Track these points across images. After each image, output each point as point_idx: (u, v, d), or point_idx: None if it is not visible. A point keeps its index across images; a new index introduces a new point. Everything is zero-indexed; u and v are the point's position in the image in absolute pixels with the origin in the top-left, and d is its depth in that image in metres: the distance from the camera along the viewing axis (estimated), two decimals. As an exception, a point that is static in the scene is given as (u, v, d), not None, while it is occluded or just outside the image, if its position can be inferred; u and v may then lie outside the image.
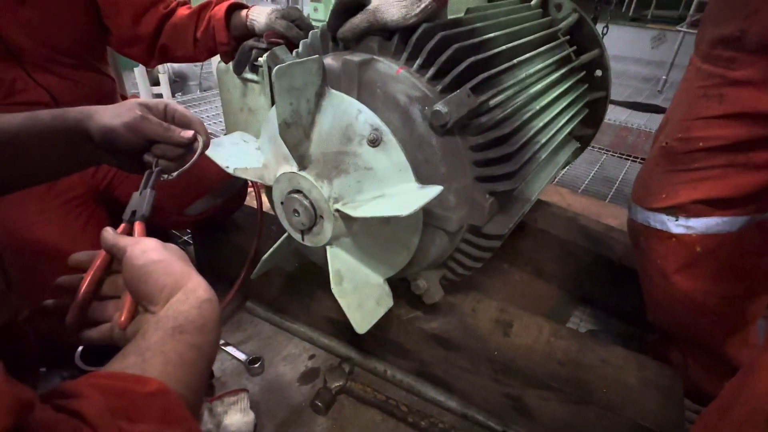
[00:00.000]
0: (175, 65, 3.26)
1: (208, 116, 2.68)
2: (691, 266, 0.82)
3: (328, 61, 0.77)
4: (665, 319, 0.95)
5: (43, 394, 0.32)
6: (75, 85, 1.00)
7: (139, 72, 2.52)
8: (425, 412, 0.96)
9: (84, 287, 0.48)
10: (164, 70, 2.62)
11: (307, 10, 4.11)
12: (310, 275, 1.10)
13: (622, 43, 5.04)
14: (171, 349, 0.39)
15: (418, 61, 0.75)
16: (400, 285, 0.96)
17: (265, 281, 1.17)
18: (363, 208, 0.68)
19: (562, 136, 1.04)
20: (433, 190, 0.65)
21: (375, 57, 0.76)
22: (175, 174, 0.63)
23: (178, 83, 3.34)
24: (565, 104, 1.05)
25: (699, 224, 0.78)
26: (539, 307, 1.32)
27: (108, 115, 0.57)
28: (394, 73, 0.74)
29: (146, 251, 0.46)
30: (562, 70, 1.08)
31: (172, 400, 0.35)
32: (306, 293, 1.13)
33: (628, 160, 2.36)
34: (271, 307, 1.22)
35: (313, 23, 3.39)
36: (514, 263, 1.44)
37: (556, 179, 2.13)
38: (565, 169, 2.23)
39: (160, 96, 2.69)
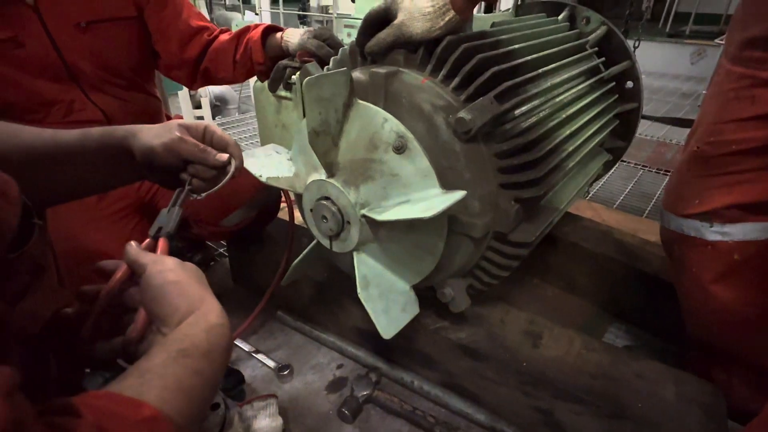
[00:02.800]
0: (216, 90, 3.45)
1: (245, 137, 2.80)
2: (730, 275, 0.79)
3: (357, 74, 0.80)
4: (705, 333, 0.91)
5: (44, 407, 0.32)
6: (126, 104, 1.09)
7: (183, 96, 2.68)
8: (453, 424, 0.95)
9: (101, 298, 0.49)
10: (205, 94, 2.77)
11: (341, 35, 4.28)
12: (338, 286, 1.12)
13: (660, 60, 4.94)
14: (171, 374, 0.39)
15: (443, 72, 0.77)
16: (427, 294, 0.96)
17: (295, 292, 1.20)
18: (388, 213, 0.70)
19: (591, 146, 1.03)
20: (457, 195, 0.66)
21: (401, 69, 0.79)
22: (203, 195, 0.65)
23: (219, 107, 3.52)
24: (592, 114, 1.04)
25: (736, 230, 0.76)
26: (572, 323, 1.28)
27: (149, 135, 0.59)
28: (420, 83, 0.77)
29: (163, 271, 0.47)
30: (590, 81, 1.08)
31: (162, 428, 0.35)
32: (335, 304, 1.14)
33: (667, 175, 2.28)
34: (300, 317, 1.24)
35: None
36: (545, 278, 1.42)
37: (590, 194, 2.09)
38: (599, 184, 2.18)
39: (201, 118, 2.84)
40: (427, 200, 0.70)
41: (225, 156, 0.62)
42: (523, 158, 0.76)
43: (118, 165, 0.61)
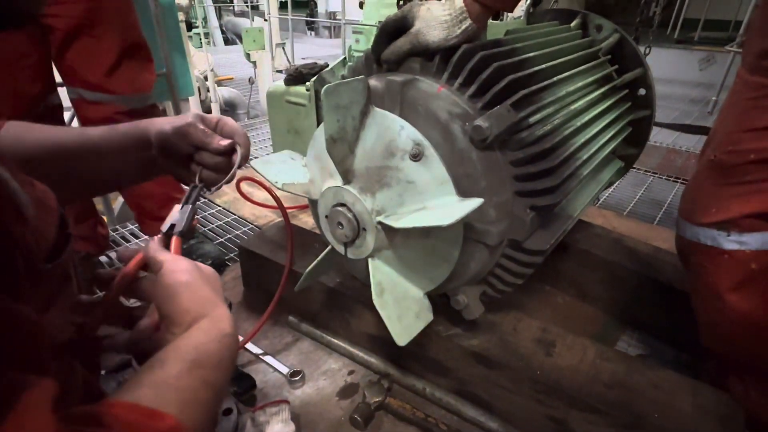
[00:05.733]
0: (225, 94, 3.48)
1: (255, 141, 2.82)
2: (747, 284, 0.78)
3: (373, 81, 0.81)
4: (721, 343, 0.90)
5: (69, 414, 0.31)
6: None
7: (193, 101, 2.70)
8: (462, 430, 0.95)
9: (117, 281, 0.50)
10: (215, 99, 2.79)
11: (350, 41, 4.31)
12: (350, 292, 1.12)
13: (669, 66, 4.92)
14: (187, 387, 0.39)
15: (459, 80, 0.78)
16: (439, 301, 0.96)
17: (307, 297, 1.20)
18: (404, 220, 0.70)
19: (605, 153, 1.03)
20: (474, 202, 0.66)
21: (417, 77, 0.80)
22: (213, 189, 0.65)
23: (228, 111, 3.55)
24: (606, 122, 1.04)
25: (753, 240, 0.75)
26: (584, 331, 1.28)
27: (164, 121, 0.61)
28: (436, 91, 0.77)
29: (176, 272, 0.47)
30: (603, 89, 1.08)
31: None
32: (346, 310, 1.15)
33: (677, 182, 2.27)
34: (312, 323, 1.24)
35: (355, 54, 3.56)
36: (556, 285, 1.41)
37: (600, 201, 2.08)
38: (609, 191, 2.17)
39: (211, 123, 2.87)
40: (444, 208, 0.70)
41: (227, 141, 0.62)
42: (540, 166, 0.77)
43: (141, 157, 0.62)
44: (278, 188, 0.85)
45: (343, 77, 0.96)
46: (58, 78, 1.24)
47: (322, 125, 0.74)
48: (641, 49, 1.38)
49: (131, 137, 0.61)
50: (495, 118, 0.71)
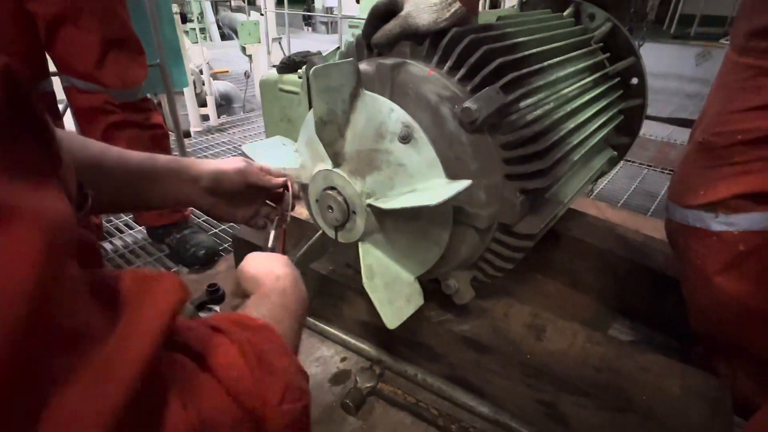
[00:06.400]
0: (221, 88, 3.47)
1: (251, 135, 2.82)
2: (735, 266, 0.79)
3: (363, 66, 0.81)
4: (709, 326, 0.91)
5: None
6: None
7: (188, 94, 2.69)
8: (456, 416, 0.95)
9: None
10: (211, 93, 2.78)
11: (346, 36, 4.29)
12: (343, 279, 1.12)
13: (665, 61, 4.93)
14: (265, 306, 0.48)
15: (449, 63, 0.78)
16: (431, 288, 0.97)
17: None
18: (393, 201, 0.71)
19: (596, 140, 1.04)
20: (462, 184, 0.66)
21: (407, 60, 0.80)
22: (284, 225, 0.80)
23: (224, 106, 3.54)
24: (597, 108, 1.05)
25: (741, 220, 0.76)
26: (576, 318, 1.27)
27: (219, 162, 0.70)
28: (426, 74, 0.77)
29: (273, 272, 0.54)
30: (595, 76, 1.09)
31: (274, 334, 0.42)
32: (338, 297, 1.15)
33: (671, 174, 2.28)
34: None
35: None
36: (548, 274, 1.41)
37: (594, 193, 2.09)
38: (604, 183, 2.18)
39: (206, 117, 2.86)
40: (433, 189, 0.70)
41: (281, 178, 0.76)
42: (529, 149, 0.77)
43: (179, 189, 0.68)
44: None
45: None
46: (52, 67, 1.24)
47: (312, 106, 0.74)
48: (635, 42, 1.38)
49: (173, 170, 0.66)
50: (484, 100, 0.71)
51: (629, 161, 2.37)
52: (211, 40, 7.33)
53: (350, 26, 4.20)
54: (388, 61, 0.78)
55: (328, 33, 9.17)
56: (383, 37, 0.80)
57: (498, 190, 0.78)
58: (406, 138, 0.72)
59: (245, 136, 2.78)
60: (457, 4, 0.75)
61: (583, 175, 1.05)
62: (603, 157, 1.17)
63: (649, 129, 2.88)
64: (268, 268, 0.53)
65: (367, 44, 0.86)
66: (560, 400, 0.88)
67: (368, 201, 0.75)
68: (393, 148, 0.74)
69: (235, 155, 2.49)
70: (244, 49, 3.17)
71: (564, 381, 0.86)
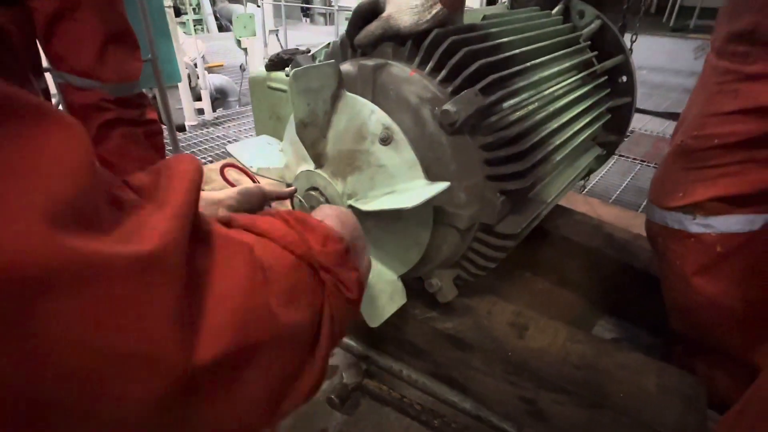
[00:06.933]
0: (216, 81, 3.46)
1: (246, 129, 2.82)
2: (712, 267, 0.80)
3: (346, 66, 0.81)
4: (687, 325, 0.92)
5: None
6: None
7: (183, 88, 2.69)
8: (439, 412, 0.97)
9: None
10: (205, 86, 2.78)
11: (343, 29, 4.27)
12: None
13: (663, 54, 4.91)
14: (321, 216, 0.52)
15: (430, 65, 0.78)
16: (416, 285, 0.98)
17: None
18: (372, 203, 0.71)
19: (581, 139, 1.04)
20: (440, 186, 0.67)
21: (389, 61, 0.80)
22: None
23: (219, 100, 3.53)
24: (583, 108, 1.05)
25: (718, 223, 0.77)
26: (562, 316, 1.30)
27: (217, 193, 0.70)
28: (407, 75, 0.78)
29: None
30: (582, 75, 1.09)
31: (313, 217, 0.47)
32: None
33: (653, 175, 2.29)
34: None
35: None
36: (536, 272, 1.43)
37: (586, 189, 2.10)
38: (595, 179, 2.19)
39: (201, 111, 2.85)
40: (411, 191, 0.71)
41: (291, 188, 0.81)
42: (509, 150, 0.77)
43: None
44: (253, 172, 0.86)
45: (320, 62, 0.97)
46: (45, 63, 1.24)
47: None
48: (628, 37, 1.37)
49: None
50: (463, 103, 0.71)
51: (623, 156, 2.38)
52: (208, 31, 7.29)
53: (347, 18, 4.18)
54: (370, 62, 0.78)
55: (326, 24, 9.11)
56: (365, 38, 0.80)
57: (478, 191, 0.79)
58: (386, 140, 0.73)
59: (240, 131, 2.78)
60: (439, 6, 0.75)
61: (568, 174, 1.06)
62: (590, 155, 1.18)
63: (643, 124, 2.88)
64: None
65: (351, 44, 0.86)
66: (540, 397, 0.90)
67: (349, 202, 0.76)
68: (373, 150, 0.75)
69: (229, 149, 2.50)
70: (239, 43, 3.16)
71: (544, 378, 0.88)
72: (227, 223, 0.41)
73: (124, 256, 0.24)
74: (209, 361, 0.28)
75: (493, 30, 0.89)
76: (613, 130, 1.31)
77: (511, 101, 0.83)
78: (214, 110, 3.03)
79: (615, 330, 1.27)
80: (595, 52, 1.17)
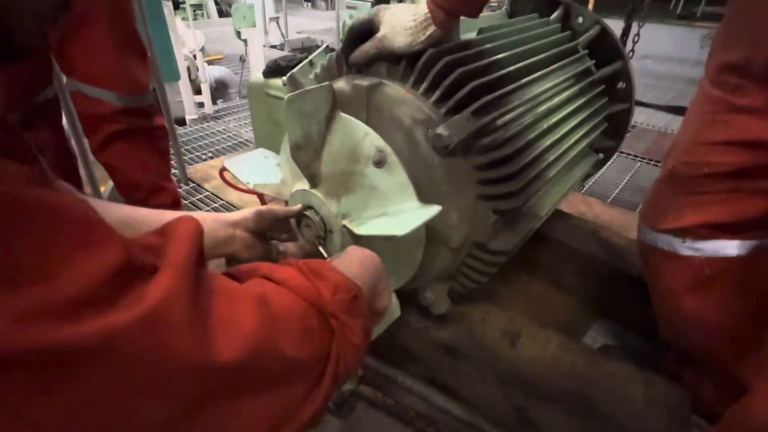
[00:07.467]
0: (216, 73, 3.44)
1: (246, 123, 2.81)
2: (700, 287, 0.82)
3: (341, 84, 0.82)
4: (676, 337, 0.95)
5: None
6: None
7: (183, 81, 2.68)
8: (432, 418, 1.00)
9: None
10: (205, 80, 2.77)
11: (344, 16, 4.22)
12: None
13: (669, 43, 4.84)
14: (345, 262, 0.56)
15: (424, 85, 0.79)
16: (413, 294, 1.00)
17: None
18: (365, 227, 0.73)
19: (577, 150, 1.05)
20: (431, 211, 0.68)
21: (383, 81, 0.81)
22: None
23: (219, 90, 3.52)
24: (580, 119, 1.05)
25: (706, 247, 0.78)
26: (556, 319, 1.32)
27: (233, 214, 0.74)
28: (401, 96, 0.78)
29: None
30: (580, 85, 1.09)
31: (331, 264, 0.51)
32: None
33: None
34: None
35: None
36: (533, 274, 1.45)
37: (585, 188, 2.10)
38: (596, 177, 2.19)
39: (201, 105, 2.85)
40: (403, 214, 0.72)
41: (298, 206, 0.81)
42: (502, 171, 0.79)
43: (216, 235, 0.72)
44: (250, 189, 0.87)
45: (317, 75, 0.97)
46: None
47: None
48: (637, 24, 1.34)
49: (208, 217, 0.71)
50: (456, 127, 0.72)
51: (622, 153, 2.37)
52: (208, 17, 7.20)
53: (348, 7, 4.13)
54: (365, 81, 0.79)
55: (328, 9, 8.98)
56: (360, 58, 0.81)
57: (471, 211, 0.80)
58: (379, 163, 0.74)
59: (240, 124, 2.78)
60: (433, 27, 0.76)
61: (563, 184, 1.07)
62: (585, 164, 1.18)
63: (645, 118, 2.86)
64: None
65: (346, 60, 0.86)
66: (530, 405, 0.92)
67: (343, 222, 0.78)
68: (367, 172, 0.76)
69: (230, 144, 2.50)
70: (239, 33, 3.13)
71: (534, 387, 0.91)
72: (252, 270, 0.47)
73: (131, 321, 0.29)
74: (223, 368, 0.34)
75: (488, 46, 0.89)
76: (611, 136, 1.32)
77: (505, 118, 0.83)
78: (214, 102, 3.03)
79: (608, 333, 1.29)
80: (593, 61, 1.17)
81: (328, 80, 0.90)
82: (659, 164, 2.33)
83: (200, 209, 1.86)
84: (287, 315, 0.42)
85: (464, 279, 0.93)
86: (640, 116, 2.82)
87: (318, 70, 0.94)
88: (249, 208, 0.74)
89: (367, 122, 0.78)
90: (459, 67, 0.78)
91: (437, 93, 0.77)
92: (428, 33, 0.76)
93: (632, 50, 2.54)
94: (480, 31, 0.97)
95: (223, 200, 1.91)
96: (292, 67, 1.16)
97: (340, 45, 0.86)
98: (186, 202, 1.86)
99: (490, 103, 0.80)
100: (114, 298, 0.29)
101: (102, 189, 1.95)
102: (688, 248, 0.80)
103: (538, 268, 1.43)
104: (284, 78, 1.12)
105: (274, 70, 1.18)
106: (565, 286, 1.40)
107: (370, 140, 0.75)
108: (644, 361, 1.04)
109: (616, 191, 2.09)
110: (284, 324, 0.41)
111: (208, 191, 1.98)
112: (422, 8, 0.75)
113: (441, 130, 0.72)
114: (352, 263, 0.56)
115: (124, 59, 1.17)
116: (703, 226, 0.78)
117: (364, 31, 0.81)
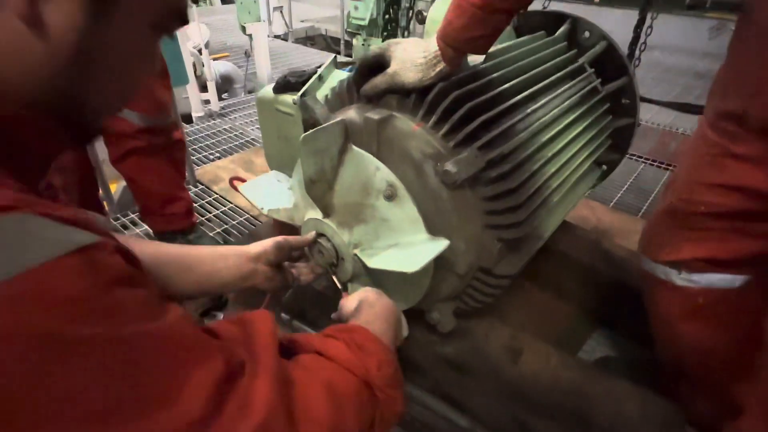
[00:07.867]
0: (221, 68, 3.43)
1: (253, 120, 2.82)
2: (695, 315, 0.86)
3: (352, 114, 0.85)
4: (672, 357, 0.99)
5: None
6: None
7: (190, 87, 2.69)
8: (436, 426, 1.05)
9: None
10: (211, 78, 2.77)
11: (348, 7, 4.18)
12: (337, 295, 1.19)
13: (676, 34, 4.77)
14: (366, 319, 0.64)
15: (434, 119, 0.81)
16: (420, 310, 1.04)
17: (297, 297, 1.28)
18: (376, 259, 0.76)
19: (581, 172, 1.07)
20: (439, 246, 0.72)
21: (394, 113, 0.83)
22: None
23: (224, 85, 3.52)
24: (585, 140, 1.08)
25: (701, 279, 0.82)
26: (557, 329, 1.36)
27: (254, 246, 0.77)
28: (411, 129, 0.81)
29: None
30: (586, 105, 1.11)
31: (367, 330, 0.59)
32: (334, 310, 1.23)
33: (668, 170, 2.28)
34: (302, 320, 1.33)
35: (354, 21, 3.56)
36: (535, 282, 1.48)
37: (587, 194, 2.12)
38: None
39: (207, 102, 2.86)
40: (413, 247, 0.76)
41: (311, 234, 0.85)
42: (508, 202, 0.81)
43: (237, 269, 0.75)
44: (264, 214, 0.90)
45: (327, 98, 1.00)
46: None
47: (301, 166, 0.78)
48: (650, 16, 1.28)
49: (231, 252, 0.75)
50: (464, 164, 0.75)
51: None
52: (211, 4, 7.13)
53: (351, -1, 4.08)
54: (376, 115, 0.81)
55: (331, -5, 8.85)
56: (371, 91, 0.83)
57: (477, 239, 0.83)
58: (390, 197, 0.77)
59: (246, 122, 2.79)
60: (442, 64, 0.78)
61: (565, 205, 1.10)
62: (589, 181, 1.21)
63: (650, 116, 2.85)
64: (364, 294, 0.72)
65: (357, 89, 0.89)
66: (530, 420, 0.97)
67: (355, 252, 0.81)
68: (378, 204, 0.79)
69: (238, 143, 2.52)
70: (243, 28, 3.12)
71: (534, 402, 0.95)
72: (304, 345, 0.54)
73: None
74: None
75: (495, 75, 0.91)
76: (614, 149, 1.34)
77: (511, 148, 0.86)
78: (219, 98, 3.04)
79: (607, 343, 1.34)
80: (599, 80, 1.18)
81: (339, 106, 0.93)
82: (663, 165, 2.34)
83: (209, 212, 1.90)
84: (348, 395, 0.49)
85: (469, 299, 0.96)
86: (645, 113, 2.82)
87: (329, 93, 0.96)
88: (267, 241, 0.77)
89: (378, 154, 0.81)
90: (467, 101, 0.80)
91: (446, 127, 0.80)
92: (437, 70, 0.78)
93: (644, 43, 2.53)
94: (488, 57, 0.99)
95: (231, 203, 1.94)
96: (303, 83, 1.18)
97: (352, 74, 0.88)
98: (195, 205, 1.90)
99: (498, 137, 0.83)
100: (222, 403, 0.35)
101: (113, 191, 1.98)
102: (683, 279, 0.84)
103: (540, 276, 1.46)
104: (295, 97, 1.15)
105: (283, 86, 1.20)
106: (567, 295, 1.44)
107: (381, 175, 0.78)
108: (642, 371, 1.08)
109: (620, 194, 2.10)
110: (348, 403, 0.48)
111: (216, 194, 2.01)
112: (432, 45, 0.77)
113: (449, 166, 0.74)
114: (377, 318, 0.64)
115: (148, 81, 1.19)
116: (698, 261, 0.81)
117: (375, 64, 0.83)
